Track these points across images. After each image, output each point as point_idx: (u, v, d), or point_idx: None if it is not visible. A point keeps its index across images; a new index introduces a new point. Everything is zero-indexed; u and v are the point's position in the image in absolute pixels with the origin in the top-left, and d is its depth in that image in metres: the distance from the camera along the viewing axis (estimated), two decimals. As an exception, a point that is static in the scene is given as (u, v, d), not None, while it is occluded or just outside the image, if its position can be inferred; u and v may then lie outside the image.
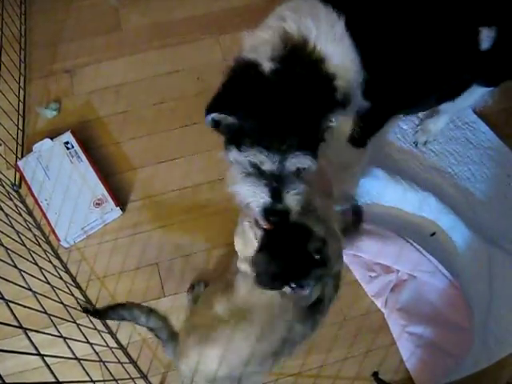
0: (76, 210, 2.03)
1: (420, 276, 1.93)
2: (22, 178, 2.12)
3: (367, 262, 1.99)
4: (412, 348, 1.86)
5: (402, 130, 2.23)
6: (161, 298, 1.97)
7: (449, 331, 1.88)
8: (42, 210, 2.04)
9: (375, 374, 1.86)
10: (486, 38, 1.45)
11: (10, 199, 1.93)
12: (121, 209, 2.07)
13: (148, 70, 2.36)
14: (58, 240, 1.99)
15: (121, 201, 2.10)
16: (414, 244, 1.95)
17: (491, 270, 1.98)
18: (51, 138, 2.15)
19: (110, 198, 2.05)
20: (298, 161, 1.21)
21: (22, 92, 2.29)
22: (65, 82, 2.35)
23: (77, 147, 2.13)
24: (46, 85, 2.35)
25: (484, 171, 2.17)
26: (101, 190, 2.06)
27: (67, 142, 2.14)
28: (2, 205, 1.75)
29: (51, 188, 2.06)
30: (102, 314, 1.68)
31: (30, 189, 2.08)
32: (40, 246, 1.87)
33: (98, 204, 2.04)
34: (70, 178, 2.08)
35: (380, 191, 2.09)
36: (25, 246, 1.66)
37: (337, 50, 1.27)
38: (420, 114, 2.24)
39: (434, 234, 2.05)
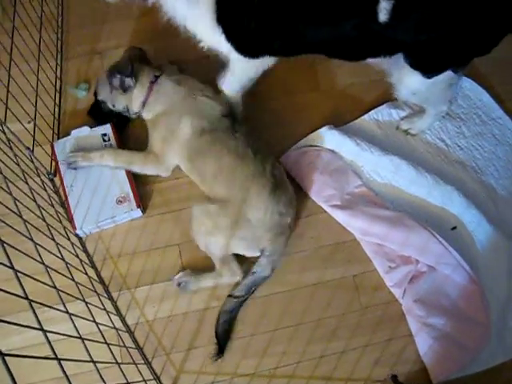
0: (98, 202, 2.02)
1: (441, 269, 1.93)
2: (53, 158, 2.12)
3: (388, 252, 1.99)
4: (429, 340, 1.87)
5: (428, 123, 2.21)
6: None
7: (466, 325, 1.88)
8: (65, 194, 2.04)
9: (394, 377, 1.86)
10: (384, 9, 1.42)
11: (38, 175, 1.95)
12: (141, 211, 2.06)
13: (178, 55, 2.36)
14: (74, 228, 2.00)
15: (143, 201, 2.09)
16: (438, 236, 1.94)
17: (511, 266, 1.96)
18: (90, 127, 2.14)
19: (132, 198, 2.03)
20: None
21: (58, 69, 2.33)
22: (95, 63, 2.38)
23: (113, 141, 2.12)
24: (77, 65, 2.39)
25: (509, 168, 2.16)
26: (126, 188, 2.04)
27: (105, 134, 2.12)
28: (29, 180, 1.76)
29: (78, 175, 2.06)
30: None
31: (59, 171, 2.09)
32: (61, 222, 1.90)
33: (121, 202, 2.03)
34: (99, 170, 2.06)
35: (404, 182, 2.10)
36: (45, 221, 1.67)
37: None
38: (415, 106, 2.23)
39: (455, 227, 2.04)
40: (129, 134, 2.20)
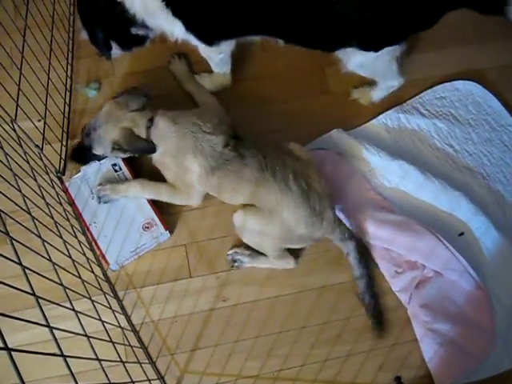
0: (123, 233, 1.98)
1: (448, 275, 1.92)
2: (69, 199, 2.06)
3: (396, 257, 1.99)
4: (434, 346, 1.86)
5: (436, 128, 2.22)
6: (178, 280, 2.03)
7: (471, 331, 1.87)
8: (90, 232, 2.00)
9: (398, 379, 1.86)
10: None
11: (47, 173, 1.95)
12: (169, 232, 2.04)
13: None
14: (107, 264, 1.97)
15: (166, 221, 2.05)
16: (445, 242, 1.94)
17: (518, 273, 1.96)
18: (98, 160, 2.08)
19: (159, 222, 2.00)
20: None
21: (69, 68, 2.33)
22: (106, 63, 2.37)
23: (125, 170, 2.08)
24: (88, 65, 2.40)
25: (517, 175, 2.16)
26: (150, 214, 2.01)
27: (115, 164, 2.08)
28: (38, 177, 1.77)
29: (98, 210, 2.03)
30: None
31: (77, 210, 2.04)
32: (68, 220, 1.89)
33: (147, 228, 2.00)
34: (119, 201, 2.04)
35: (412, 187, 2.09)
36: (53, 218, 1.68)
37: None
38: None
39: (462, 234, 2.03)
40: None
